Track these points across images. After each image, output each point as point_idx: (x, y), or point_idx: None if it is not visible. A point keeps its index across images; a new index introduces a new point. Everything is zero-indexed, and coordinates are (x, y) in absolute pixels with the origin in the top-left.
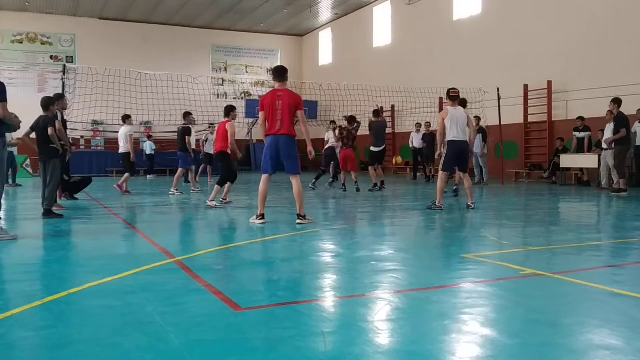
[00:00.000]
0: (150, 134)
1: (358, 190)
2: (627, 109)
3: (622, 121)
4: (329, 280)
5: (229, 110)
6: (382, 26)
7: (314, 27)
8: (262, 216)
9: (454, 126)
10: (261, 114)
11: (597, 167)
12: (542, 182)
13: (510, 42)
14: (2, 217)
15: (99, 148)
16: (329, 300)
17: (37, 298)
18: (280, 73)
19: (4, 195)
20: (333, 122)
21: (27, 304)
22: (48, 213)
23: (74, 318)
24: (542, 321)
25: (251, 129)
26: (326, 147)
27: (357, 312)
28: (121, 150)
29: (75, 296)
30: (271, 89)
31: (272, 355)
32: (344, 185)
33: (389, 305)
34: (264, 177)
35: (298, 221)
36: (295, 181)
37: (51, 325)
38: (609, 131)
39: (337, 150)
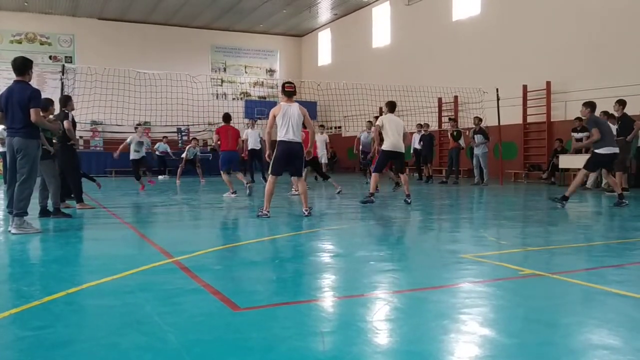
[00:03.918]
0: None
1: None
2: (626, 109)
3: (629, 120)
4: (327, 280)
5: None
6: (381, 26)
7: (313, 28)
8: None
9: (286, 124)
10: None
11: None
12: (541, 183)
13: (509, 42)
14: (28, 212)
15: (98, 148)
16: (327, 300)
17: (35, 298)
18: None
19: (2, 195)
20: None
21: (25, 303)
22: (57, 212)
23: (72, 318)
24: (541, 321)
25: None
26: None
27: (356, 312)
28: None
29: (74, 296)
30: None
31: (270, 355)
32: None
33: (387, 305)
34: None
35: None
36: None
37: (49, 325)
38: None
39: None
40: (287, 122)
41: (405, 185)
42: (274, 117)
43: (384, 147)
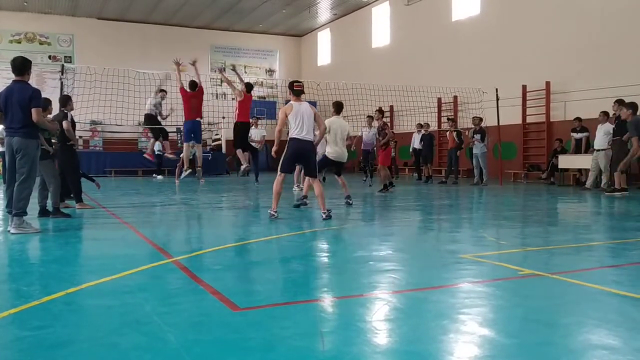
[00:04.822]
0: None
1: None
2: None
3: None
4: (327, 280)
5: None
6: (380, 26)
7: (313, 28)
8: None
9: (299, 122)
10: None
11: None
12: (540, 183)
13: (509, 42)
14: (27, 212)
15: (98, 148)
16: (327, 300)
17: (34, 297)
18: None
19: (2, 195)
20: (370, 116)
21: (25, 303)
22: (56, 212)
23: (71, 318)
24: (540, 321)
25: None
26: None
27: (356, 312)
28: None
29: (73, 296)
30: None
31: (270, 355)
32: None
33: (387, 305)
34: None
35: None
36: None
37: (48, 325)
38: (601, 132)
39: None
40: (300, 121)
41: (344, 188)
42: (286, 115)
43: (328, 153)
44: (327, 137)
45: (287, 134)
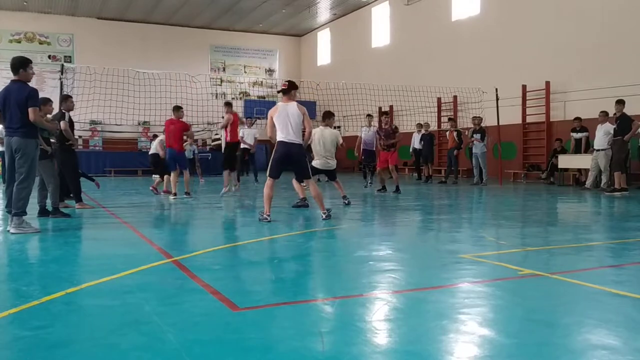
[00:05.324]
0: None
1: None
2: (625, 109)
3: (627, 119)
4: (326, 280)
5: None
6: (380, 26)
7: (313, 27)
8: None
9: (284, 125)
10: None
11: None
12: (540, 183)
13: (509, 42)
14: (27, 212)
15: (97, 148)
16: (327, 300)
17: (34, 297)
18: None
19: (1, 195)
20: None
21: (24, 303)
22: (55, 212)
23: (71, 318)
24: (540, 321)
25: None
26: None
27: (355, 312)
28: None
29: (73, 296)
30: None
31: (269, 355)
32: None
33: (387, 305)
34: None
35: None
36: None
37: (48, 325)
38: (601, 131)
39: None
40: (285, 123)
41: (340, 190)
42: (272, 118)
43: (315, 163)
44: (313, 146)
45: None
